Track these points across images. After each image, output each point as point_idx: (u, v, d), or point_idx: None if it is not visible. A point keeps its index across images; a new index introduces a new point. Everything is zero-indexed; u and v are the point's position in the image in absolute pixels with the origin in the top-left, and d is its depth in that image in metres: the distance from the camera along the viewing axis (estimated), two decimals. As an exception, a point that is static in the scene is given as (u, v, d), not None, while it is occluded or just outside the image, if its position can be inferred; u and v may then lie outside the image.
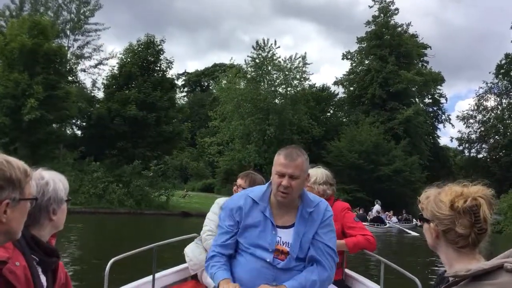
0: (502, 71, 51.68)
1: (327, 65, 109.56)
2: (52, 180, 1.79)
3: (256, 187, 2.70)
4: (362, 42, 54.12)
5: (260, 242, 2.45)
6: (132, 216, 25.65)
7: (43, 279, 1.70)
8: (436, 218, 1.46)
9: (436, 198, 1.48)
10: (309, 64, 44.85)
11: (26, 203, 1.47)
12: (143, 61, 31.16)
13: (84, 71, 34.34)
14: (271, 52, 44.11)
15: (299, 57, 44.53)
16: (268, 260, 2.43)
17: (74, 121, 31.50)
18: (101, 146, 30.50)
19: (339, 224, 3.50)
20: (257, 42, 44.47)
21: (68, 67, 29.58)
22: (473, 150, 57.52)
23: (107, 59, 34.26)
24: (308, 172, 3.60)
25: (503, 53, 52.14)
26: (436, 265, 12.45)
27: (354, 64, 55.01)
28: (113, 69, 31.56)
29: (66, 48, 32.65)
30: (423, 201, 1.54)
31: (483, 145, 56.24)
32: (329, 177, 3.69)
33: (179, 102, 42.14)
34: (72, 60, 32.88)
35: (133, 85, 30.47)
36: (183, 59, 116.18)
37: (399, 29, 53.84)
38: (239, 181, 3.56)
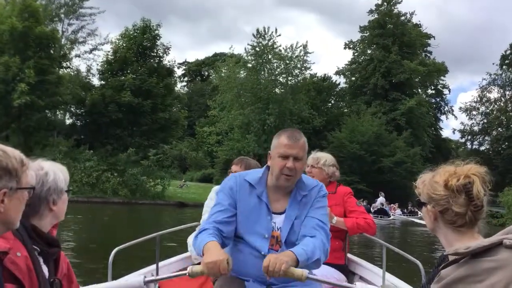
0: (506, 61, 50.77)
1: (329, 56, 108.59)
2: (52, 171, 1.80)
3: (251, 170, 2.63)
4: (365, 31, 53.16)
5: (256, 227, 2.39)
6: (126, 205, 24.97)
7: (45, 269, 1.71)
8: (433, 200, 1.48)
9: (431, 180, 1.51)
10: (310, 53, 43.98)
11: (24, 192, 1.48)
12: (139, 46, 30.30)
13: (79, 56, 33.47)
14: (271, 40, 43.28)
15: (300, 46, 43.73)
16: (263, 253, 2.34)
17: (69, 107, 30.62)
18: (95, 134, 29.81)
19: (342, 208, 3.60)
20: (257, 30, 43.57)
21: (62, 52, 28.68)
22: (475, 142, 57.01)
23: (102, 44, 33.38)
24: (317, 155, 3.74)
25: (506, 45, 51.47)
26: (438, 249, 12.60)
27: (356, 54, 54.11)
28: (107, 54, 30.69)
29: (61, 33, 31.74)
30: (419, 186, 1.56)
31: (486, 137, 55.68)
32: (335, 161, 3.81)
33: (178, 90, 41.29)
34: (67, 45, 31.94)
35: (128, 71, 29.64)
36: (184, 49, 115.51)
37: (403, 18, 52.85)
38: (234, 168, 3.55)
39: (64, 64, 29.72)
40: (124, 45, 30.18)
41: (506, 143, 49.99)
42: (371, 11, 52.86)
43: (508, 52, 50.45)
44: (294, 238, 2.38)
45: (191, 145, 54.58)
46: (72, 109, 31.11)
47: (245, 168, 3.44)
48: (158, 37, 31.21)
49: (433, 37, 55.15)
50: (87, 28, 34.32)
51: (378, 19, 51.87)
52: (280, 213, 2.42)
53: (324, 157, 3.69)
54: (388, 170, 41.20)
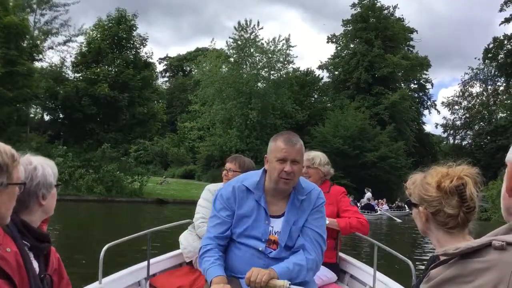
0: (489, 55, 50.82)
1: (312, 52, 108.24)
2: (41, 165, 1.78)
3: (249, 174, 2.63)
4: (348, 25, 52.76)
5: (253, 232, 2.45)
6: (102, 203, 23.86)
7: (35, 264, 1.70)
8: (424, 201, 1.48)
9: (423, 182, 1.50)
10: (293, 46, 43.38)
11: (15, 188, 1.47)
12: (114, 37, 29.14)
13: (52, 48, 32.16)
14: (253, 33, 42.52)
15: (283, 39, 43.09)
16: (260, 249, 2.43)
17: (41, 101, 29.31)
18: (69, 129, 28.63)
19: (335, 207, 3.61)
20: (239, 23, 42.79)
21: (33, 44, 27.37)
22: (457, 137, 57.27)
23: (76, 35, 32.12)
24: (311, 155, 3.74)
25: (487, 40, 51.62)
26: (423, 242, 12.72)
27: (339, 48, 53.70)
28: (81, 45, 29.49)
29: (33, 23, 30.41)
30: (410, 187, 1.55)
31: (468, 132, 55.95)
32: (327, 158, 3.83)
33: (159, 85, 40.23)
34: (39, 37, 30.60)
35: (103, 62, 28.49)
36: (166, 44, 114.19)
37: (385, 11, 52.58)
38: (228, 165, 3.51)
39: (37, 56, 28.39)
40: (99, 36, 29.02)
41: (488, 137, 50.16)
42: (354, 5, 52.48)
43: (491, 45, 50.46)
44: (291, 243, 2.45)
45: (172, 141, 53.59)
46: (47, 103, 29.86)
47: (239, 165, 3.44)
48: (134, 28, 30.14)
49: (416, 31, 55.10)
50: (60, 18, 33.09)
51: (361, 13, 51.51)
52: (278, 216, 2.47)
53: (318, 157, 3.70)
54: (372, 164, 40.88)
